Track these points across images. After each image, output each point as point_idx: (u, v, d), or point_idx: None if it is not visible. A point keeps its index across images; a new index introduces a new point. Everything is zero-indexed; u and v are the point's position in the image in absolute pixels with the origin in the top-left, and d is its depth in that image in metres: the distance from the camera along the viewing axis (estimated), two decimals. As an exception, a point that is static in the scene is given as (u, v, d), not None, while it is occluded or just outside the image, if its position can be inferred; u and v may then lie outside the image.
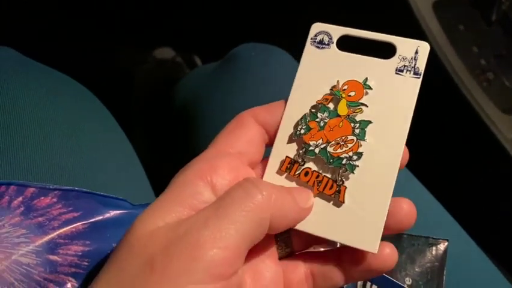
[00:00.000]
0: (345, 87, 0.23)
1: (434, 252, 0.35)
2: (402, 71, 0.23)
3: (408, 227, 0.22)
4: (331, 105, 0.23)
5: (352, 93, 0.23)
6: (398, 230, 0.22)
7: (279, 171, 0.23)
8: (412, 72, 0.23)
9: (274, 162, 0.23)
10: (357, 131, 0.22)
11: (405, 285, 0.35)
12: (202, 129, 0.43)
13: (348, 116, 0.23)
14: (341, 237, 0.22)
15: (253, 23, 0.76)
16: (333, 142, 0.23)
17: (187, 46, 0.79)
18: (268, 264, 0.23)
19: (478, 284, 0.36)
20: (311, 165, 0.23)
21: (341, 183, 0.22)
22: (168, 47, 0.78)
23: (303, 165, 0.23)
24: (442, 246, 0.35)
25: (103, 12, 0.79)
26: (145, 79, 0.76)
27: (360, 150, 0.22)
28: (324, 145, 0.23)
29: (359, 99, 0.23)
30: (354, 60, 0.23)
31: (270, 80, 0.42)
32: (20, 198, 0.26)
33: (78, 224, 0.27)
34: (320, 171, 0.22)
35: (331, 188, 0.22)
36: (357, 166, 0.22)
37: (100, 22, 0.79)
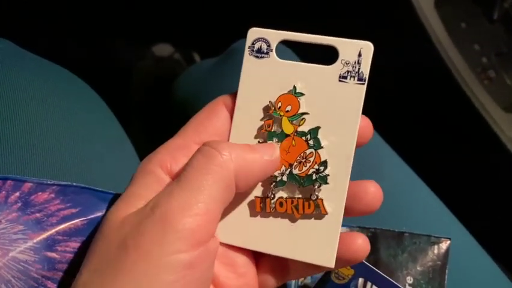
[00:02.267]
0: (279, 104, 0.22)
1: (436, 250, 0.34)
2: (345, 77, 0.22)
3: (373, 210, 0.22)
4: (276, 128, 0.22)
5: (289, 108, 0.22)
6: (365, 213, 0.22)
7: (253, 214, 0.22)
8: (356, 78, 0.22)
9: (241, 209, 0.23)
10: (311, 142, 0.22)
11: (407, 284, 0.35)
12: None
13: (296, 131, 0.22)
14: (297, 254, 0.22)
15: (251, 18, 0.76)
16: (295, 163, 0.22)
17: (186, 42, 0.78)
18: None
19: (480, 283, 0.36)
20: (282, 194, 0.22)
21: (315, 197, 0.22)
22: (167, 43, 0.78)
23: (273, 197, 0.22)
24: (444, 245, 0.34)
25: (101, 7, 0.78)
26: (144, 75, 0.76)
27: (322, 158, 0.22)
28: (289, 170, 0.22)
29: (298, 110, 0.22)
30: (294, 68, 0.22)
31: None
32: (17, 194, 0.25)
33: (77, 220, 0.26)
34: (294, 196, 0.22)
35: (309, 206, 0.22)
36: (328, 175, 0.22)
37: (98, 17, 0.78)
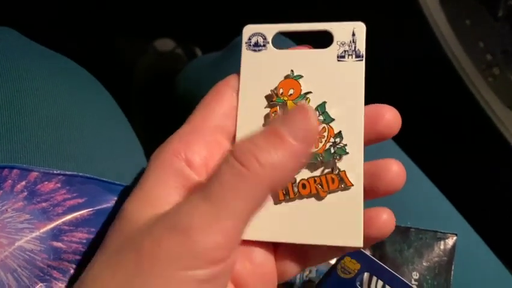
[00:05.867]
0: (281, 90, 0.22)
1: (442, 246, 0.34)
2: (343, 56, 0.22)
3: (397, 189, 0.21)
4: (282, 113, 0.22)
5: (291, 91, 0.22)
6: (389, 192, 0.21)
7: (277, 202, 0.22)
8: (354, 56, 0.22)
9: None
10: (320, 117, 0.22)
11: (412, 279, 0.34)
12: None
13: None
14: (324, 239, 0.21)
15: (252, 13, 0.76)
16: None
17: (188, 37, 0.78)
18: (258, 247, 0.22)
19: (485, 279, 0.36)
20: (303, 175, 0.22)
21: (338, 170, 0.21)
22: (168, 38, 0.77)
23: (295, 181, 0.22)
24: (451, 241, 0.34)
25: (103, 2, 0.78)
26: (145, 70, 0.76)
27: (336, 130, 0.22)
28: None
29: (300, 92, 0.22)
30: (293, 55, 0.23)
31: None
32: (23, 183, 0.25)
33: (83, 211, 0.26)
34: (315, 175, 0.22)
35: (333, 181, 0.21)
36: (346, 145, 0.21)
37: (100, 12, 0.78)
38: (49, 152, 0.28)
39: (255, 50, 0.23)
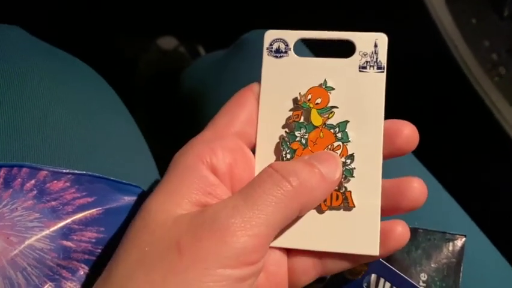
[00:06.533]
0: (309, 96, 0.23)
1: (451, 248, 0.34)
2: (365, 67, 0.23)
3: (419, 206, 0.22)
4: (304, 119, 0.23)
5: (318, 100, 0.23)
6: (411, 208, 0.22)
7: None
8: (376, 67, 0.22)
9: None
10: (339, 135, 0.22)
11: (421, 281, 0.34)
12: (210, 116, 0.42)
13: (325, 124, 0.23)
14: (336, 247, 0.22)
15: (256, 13, 0.76)
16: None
17: (191, 35, 0.78)
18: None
19: (494, 281, 0.35)
20: None
21: (344, 190, 0.22)
22: (172, 36, 0.77)
23: None
24: (459, 242, 0.34)
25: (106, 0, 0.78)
26: (148, 68, 0.76)
27: (350, 152, 0.22)
28: None
29: (327, 103, 0.23)
30: (315, 64, 0.23)
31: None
32: (33, 181, 0.25)
33: (93, 210, 0.26)
34: None
35: (337, 198, 0.22)
36: (354, 168, 0.22)
37: (103, 10, 0.77)
38: (57, 151, 0.28)
39: (276, 56, 0.23)
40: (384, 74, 0.22)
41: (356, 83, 0.22)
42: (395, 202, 0.22)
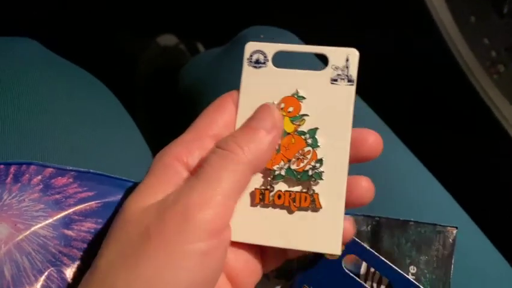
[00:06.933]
0: (282, 105, 0.24)
1: (441, 240, 0.34)
2: (336, 80, 0.24)
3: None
4: None
5: (291, 109, 0.24)
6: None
7: (253, 204, 0.24)
8: (346, 80, 0.24)
9: (242, 199, 0.24)
10: (309, 141, 0.24)
11: (409, 273, 0.34)
12: None
13: (296, 130, 0.24)
14: (303, 245, 0.24)
15: (255, 10, 0.75)
16: (293, 159, 0.24)
17: (191, 33, 0.78)
18: None
19: (486, 272, 0.35)
20: (281, 187, 0.24)
21: (312, 192, 0.23)
22: (171, 33, 0.78)
23: (272, 190, 0.24)
24: (451, 234, 0.34)
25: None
26: (148, 66, 0.76)
27: (319, 156, 0.24)
28: (287, 165, 0.24)
29: (299, 112, 0.24)
30: (290, 75, 0.24)
31: (280, 62, 0.43)
32: (39, 177, 0.28)
33: (92, 202, 0.29)
34: (291, 189, 0.24)
35: (305, 200, 0.24)
36: (323, 172, 0.24)
37: (102, 8, 0.78)
38: (65, 156, 0.31)
39: (255, 67, 0.25)
40: (354, 87, 0.24)
41: (327, 93, 0.24)
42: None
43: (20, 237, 0.25)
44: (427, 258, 0.34)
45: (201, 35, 0.78)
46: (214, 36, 0.52)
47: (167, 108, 0.59)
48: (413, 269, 0.33)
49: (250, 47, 0.25)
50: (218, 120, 0.24)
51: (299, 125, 0.24)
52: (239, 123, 0.24)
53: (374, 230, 0.34)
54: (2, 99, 0.31)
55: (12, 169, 0.27)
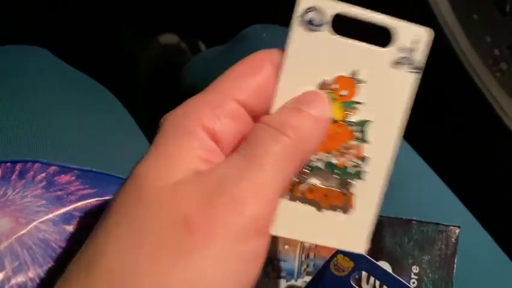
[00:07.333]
0: (336, 85, 0.20)
1: (444, 239, 0.33)
2: (400, 63, 0.20)
3: None
4: None
5: (344, 92, 0.21)
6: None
7: (281, 195, 0.22)
8: (412, 66, 0.20)
9: None
10: (357, 134, 0.21)
11: (412, 273, 0.34)
12: None
13: (345, 119, 0.21)
14: (328, 241, 0.21)
15: (256, 9, 0.75)
16: (335, 152, 0.21)
17: (192, 32, 0.77)
18: None
19: (489, 272, 0.35)
20: (315, 181, 0.21)
21: (347, 191, 0.21)
22: (173, 32, 0.77)
23: (304, 181, 0.21)
24: (453, 234, 0.33)
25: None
26: (149, 65, 0.76)
27: (364, 154, 0.21)
28: (328, 157, 0.21)
29: (353, 97, 0.21)
30: (349, 48, 0.20)
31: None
32: (43, 174, 0.29)
33: (93, 199, 0.30)
34: (325, 185, 0.21)
35: (339, 198, 0.21)
36: (365, 172, 0.21)
37: (103, 6, 0.78)
38: (69, 157, 0.32)
39: (309, 29, 0.20)
40: (420, 75, 0.20)
41: (386, 79, 0.20)
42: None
43: (22, 231, 0.26)
44: (430, 257, 0.33)
45: (202, 33, 0.77)
46: (215, 35, 0.52)
47: (168, 107, 0.60)
48: (415, 269, 0.33)
49: (305, 2, 0.20)
50: (250, 82, 0.19)
51: (349, 114, 0.21)
52: (280, 96, 0.20)
53: (376, 229, 0.34)
54: (13, 105, 0.32)
55: (18, 166, 0.28)
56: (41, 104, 0.33)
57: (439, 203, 0.37)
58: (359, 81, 0.20)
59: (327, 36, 0.20)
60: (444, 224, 0.33)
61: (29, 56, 0.37)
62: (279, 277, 0.32)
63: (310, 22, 0.20)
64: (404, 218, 0.34)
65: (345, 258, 0.28)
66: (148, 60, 0.77)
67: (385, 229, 0.34)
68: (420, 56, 0.20)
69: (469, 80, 0.48)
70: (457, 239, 0.33)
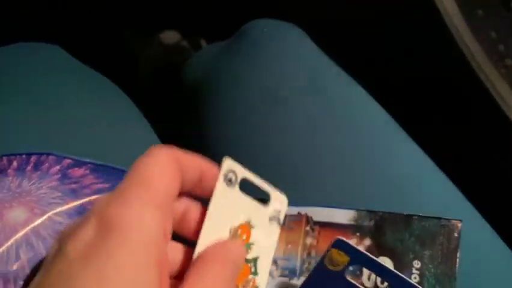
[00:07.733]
0: (239, 231, 0.26)
1: (446, 234, 0.33)
2: (272, 219, 0.27)
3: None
4: None
5: (244, 236, 0.26)
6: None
7: None
8: (279, 222, 0.27)
9: None
10: (253, 269, 0.26)
11: (413, 269, 0.33)
12: (211, 107, 0.44)
13: (246, 258, 0.26)
14: None
15: (256, 7, 0.74)
16: (240, 286, 0.26)
17: (193, 29, 0.77)
18: None
19: (492, 265, 0.35)
20: None
21: None
22: (174, 30, 0.77)
23: None
24: (455, 228, 0.33)
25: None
26: (150, 63, 0.77)
27: (256, 284, 0.26)
28: None
29: (249, 240, 0.26)
30: (248, 203, 0.26)
31: (284, 55, 0.42)
32: (58, 167, 0.30)
33: (107, 193, 0.31)
34: None
35: None
36: None
37: (104, 4, 0.79)
38: (82, 151, 0.33)
39: (227, 185, 0.26)
40: (279, 229, 0.27)
41: (265, 228, 0.27)
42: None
43: (37, 222, 0.27)
44: (431, 252, 0.33)
45: (203, 31, 0.77)
46: (217, 32, 0.52)
47: (169, 105, 0.60)
48: (417, 264, 0.33)
49: (227, 165, 0.26)
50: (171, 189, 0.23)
51: (247, 253, 0.26)
52: (203, 239, 0.24)
53: (377, 224, 0.34)
54: (26, 101, 0.33)
55: (33, 158, 0.29)
56: (53, 99, 0.34)
57: (441, 196, 0.37)
58: (252, 227, 0.26)
59: (236, 192, 0.26)
60: (446, 218, 0.33)
61: (41, 52, 0.38)
62: (282, 276, 0.33)
63: (229, 180, 0.26)
64: (405, 213, 0.34)
65: (340, 252, 0.28)
66: (149, 58, 0.78)
67: (386, 225, 0.34)
68: (283, 216, 0.27)
69: (474, 75, 0.48)
70: (459, 233, 0.33)
